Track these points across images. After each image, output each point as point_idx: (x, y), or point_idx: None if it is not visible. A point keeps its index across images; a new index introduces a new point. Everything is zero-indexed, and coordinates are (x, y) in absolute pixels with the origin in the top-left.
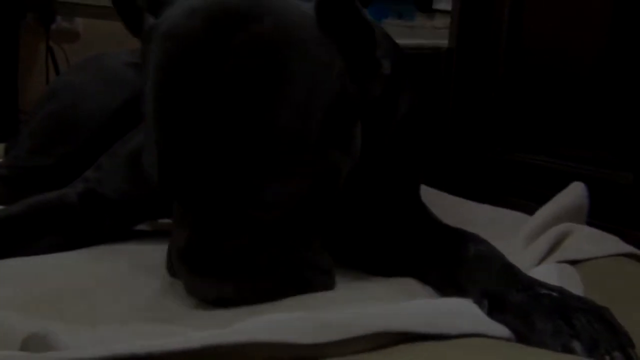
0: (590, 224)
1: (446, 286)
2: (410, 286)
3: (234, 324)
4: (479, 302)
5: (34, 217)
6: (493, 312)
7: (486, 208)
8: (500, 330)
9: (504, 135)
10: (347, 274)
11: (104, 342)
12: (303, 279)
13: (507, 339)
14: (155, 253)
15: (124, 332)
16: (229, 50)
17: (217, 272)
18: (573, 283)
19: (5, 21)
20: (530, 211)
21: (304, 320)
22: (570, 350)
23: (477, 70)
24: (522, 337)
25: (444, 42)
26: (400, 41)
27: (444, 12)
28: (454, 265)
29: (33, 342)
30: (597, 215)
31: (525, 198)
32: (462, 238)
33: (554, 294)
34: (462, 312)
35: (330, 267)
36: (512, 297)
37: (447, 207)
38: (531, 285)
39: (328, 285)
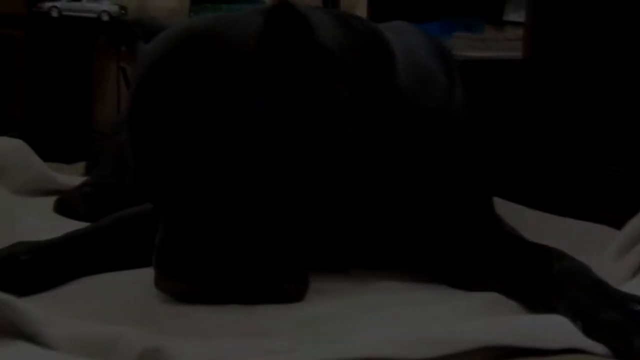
0: None
1: (534, 302)
2: (494, 300)
3: (339, 340)
4: (572, 321)
5: (120, 232)
6: (587, 330)
7: (570, 222)
8: (598, 346)
9: (587, 147)
10: (432, 288)
11: (212, 358)
12: (270, 285)
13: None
14: None
15: (225, 346)
16: (178, 70)
17: (181, 269)
18: None
19: (79, 44)
20: (617, 224)
21: (409, 336)
22: None
23: (555, 80)
24: (620, 354)
25: (516, 53)
26: (472, 54)
27: (514, 23)
28: (540, 281)
29: (148, 357)
30: None
31: (611, 211)
32: (545, 254)
33: None
34: (560, 328)
35: (305, 278)
36: (605, 316)
37: (529, 221)
38: (624, 301)
39: (298, 296)
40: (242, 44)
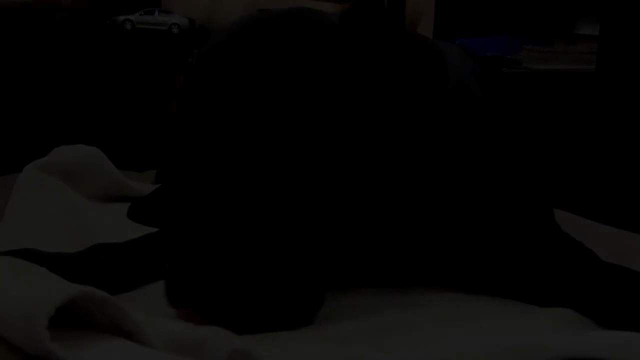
0: None
1: (610, 321)
2: (569, 316)
3: (419, 349)
4: None
5: None
6: None
7: None
8: None
9: None
10: (500, 301)
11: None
12: (280, 312)
13: None
14: None
15: (311, 351)
16: (246, 61)
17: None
18: None
19: (149, 56)
20: None
21: (493, 347)
22: None
23: (629, 92)
24: None
25: (587, 66)
26: (542, 67)
27: (586, 36)
28: (617, 300)
29: (237, 359)
30: None
31: None
32: (622, 272)
33: None
34: None
35: (317, 302)
36: None
37: (600, 237)
38: None
39: (305, 322)
40: (321, 24)
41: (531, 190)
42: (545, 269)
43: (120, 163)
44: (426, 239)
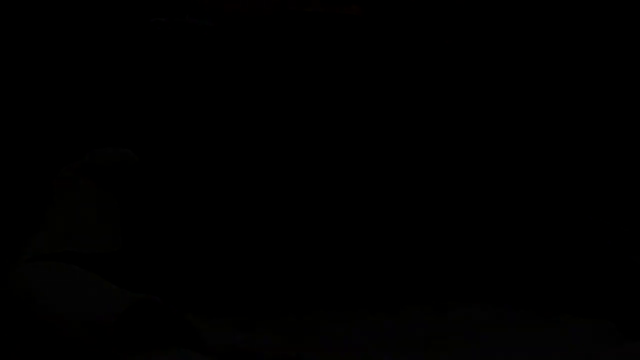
0: None
1: None
2: (608, 328)
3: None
4: None
5: None
6: None
7: None
8: None
9: None
10: (541, 312)
11: None
12: None
13: None
14: None
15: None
16: None
17: None
18: None
19: (181, 58)
20: None
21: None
22: None
23: None
24: None
25: None
26: None
27: None
28: None
29: None
30: None
31: None
32: None
33: None
34: None
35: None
36: None
37: None
38: None
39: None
40: None
41: (569, 198)
42: (585, 279)
43: None
44: (463, 247)
